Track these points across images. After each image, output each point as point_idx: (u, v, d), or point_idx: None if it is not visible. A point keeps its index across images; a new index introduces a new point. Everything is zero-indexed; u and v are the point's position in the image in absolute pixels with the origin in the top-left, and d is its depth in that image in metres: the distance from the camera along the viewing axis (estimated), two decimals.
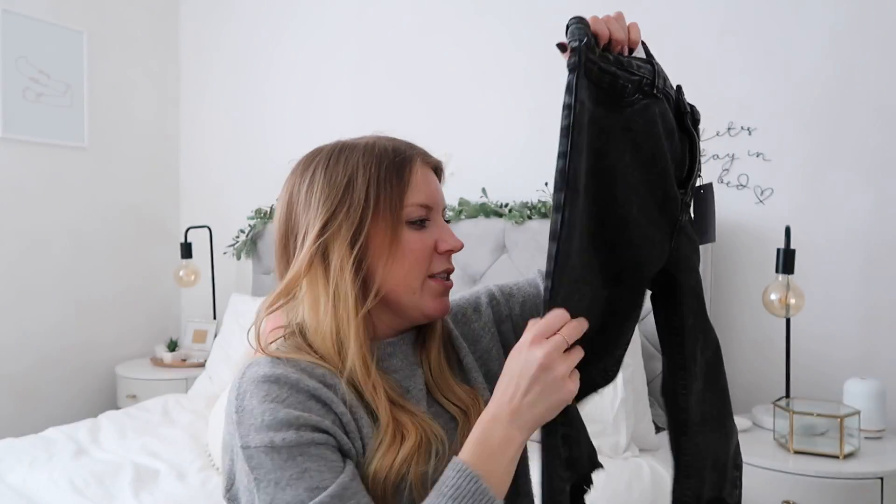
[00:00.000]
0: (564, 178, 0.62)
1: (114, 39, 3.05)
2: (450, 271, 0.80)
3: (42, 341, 2.80)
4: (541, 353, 0.65)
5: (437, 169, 0.83)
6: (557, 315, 0.66)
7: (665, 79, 0.70)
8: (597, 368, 0.71)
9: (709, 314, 0.82)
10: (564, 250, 0.64)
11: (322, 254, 0.75)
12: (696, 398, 0.75)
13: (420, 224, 0.78)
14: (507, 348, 0.88)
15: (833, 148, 1.93)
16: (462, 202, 2.39)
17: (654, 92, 0.67)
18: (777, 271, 1.80)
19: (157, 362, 2.90)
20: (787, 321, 1.84)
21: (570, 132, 0.61)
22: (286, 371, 0.70)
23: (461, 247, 0.80)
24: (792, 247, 1.79)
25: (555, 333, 0.66)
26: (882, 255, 1.88)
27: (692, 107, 0.76)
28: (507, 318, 0.90)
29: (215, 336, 2.86)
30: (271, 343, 0.77)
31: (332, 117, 2.83)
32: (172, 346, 3.00)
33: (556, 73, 0.62)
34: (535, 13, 2.36)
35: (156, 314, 3.27)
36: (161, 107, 3.28)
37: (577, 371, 0.67)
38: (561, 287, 0.65)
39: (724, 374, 0.79)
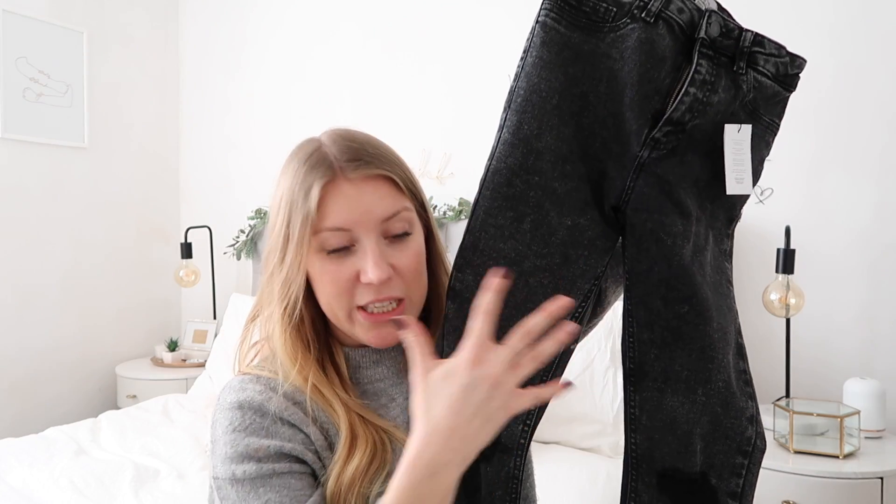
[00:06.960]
0: (508, 100, 0.64)
1: (114, 39, 3.05)
2: (383, 300, 0.69)
3: (42, 341, 2.80)
4: (486, 370, 0.57)
5: (382, 176, 0.69)
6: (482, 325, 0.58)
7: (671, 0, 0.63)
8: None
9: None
10: (497, 168, 0.64)
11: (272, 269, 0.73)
12: (657, 353, 0.68)
13: (341, 251, 0.68)
14: None
15: (833, 148, 1.93)
16: (462, 202, 2.39)
17: (644, 16, 0.62)
18: (777, 271, 1.80)
19: (158, 362, 2.90)
20: (787, 321, 1.84)
21: (524, 55, 0.65)
22: (253, 394, 0.69)
23: (384, 278, 0.67)
24: (792, 247, 1.79)
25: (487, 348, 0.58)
26: (882, 254, 1.88)
27: (742, 33, 0.67)
28: None
29: (215, 336, 2.86)
30: (254, 358, 0.76)
31: (333, 117, 2.83)
32: (172, 346, 3.00)
33: None
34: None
35: (156, 314, 3.27)
36: (161, 107, 3.28)
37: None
38: (497, 206, 0.64)
39: (709, 336, 0.68)
